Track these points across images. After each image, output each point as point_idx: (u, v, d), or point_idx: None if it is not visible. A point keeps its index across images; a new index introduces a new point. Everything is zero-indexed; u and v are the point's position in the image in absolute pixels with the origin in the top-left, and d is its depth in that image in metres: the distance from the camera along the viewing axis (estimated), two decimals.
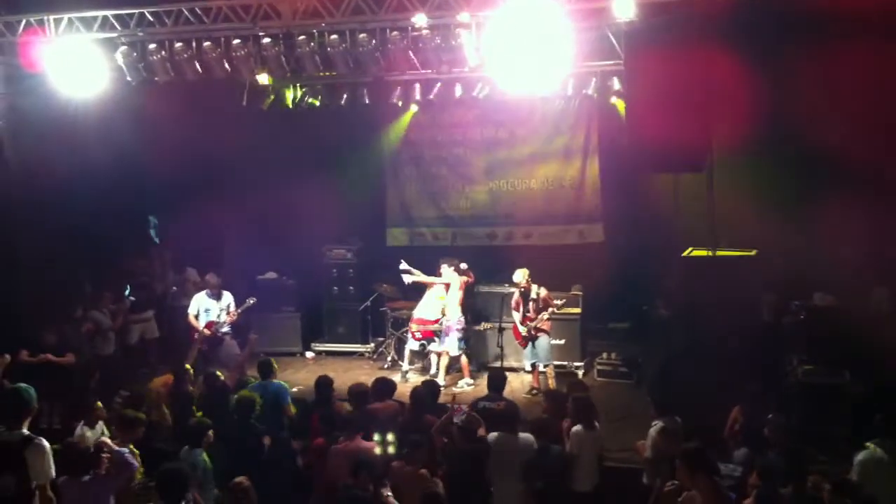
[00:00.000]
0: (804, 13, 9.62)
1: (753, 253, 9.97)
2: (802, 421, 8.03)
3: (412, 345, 12.32)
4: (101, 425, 8.16)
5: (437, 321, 12.10)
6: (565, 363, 12.25)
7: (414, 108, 13.98)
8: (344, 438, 7.72)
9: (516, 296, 11.66)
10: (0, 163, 11.63)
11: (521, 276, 11.48)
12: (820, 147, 10.39)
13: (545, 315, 11.43)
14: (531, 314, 11.47)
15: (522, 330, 11.51)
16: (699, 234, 10.05)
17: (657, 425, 7.64)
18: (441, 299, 12.15)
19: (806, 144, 10.76)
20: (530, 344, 11.50)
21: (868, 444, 6.70)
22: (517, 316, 11.60)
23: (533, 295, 11.47)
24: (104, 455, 6.75)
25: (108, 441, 7.33)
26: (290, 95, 13.35)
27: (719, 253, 9.46)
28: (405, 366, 12.34)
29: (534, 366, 11.59)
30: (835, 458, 7.23)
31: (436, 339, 12.14)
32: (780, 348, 9.88)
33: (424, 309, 12.23)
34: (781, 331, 10.22)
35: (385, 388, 8.84)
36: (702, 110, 8.53)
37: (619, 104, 12.37)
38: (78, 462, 6.65)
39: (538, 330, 11.46)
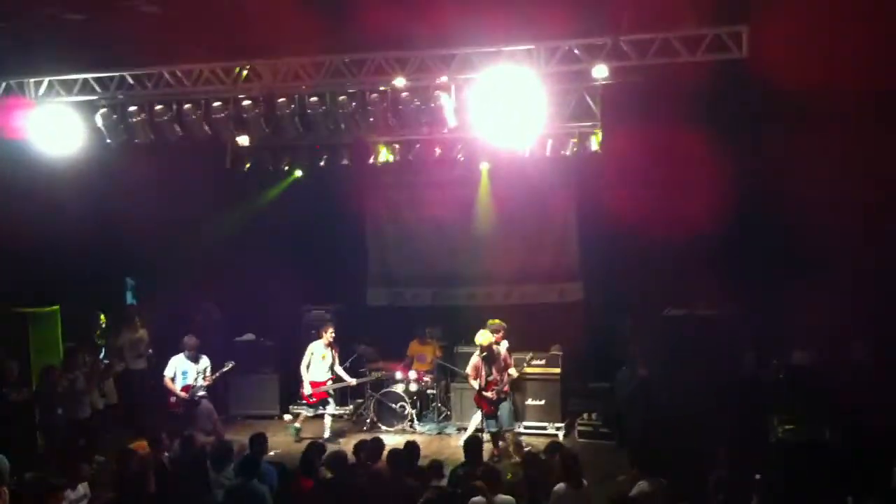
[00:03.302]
0: (771, 97, 9.85)
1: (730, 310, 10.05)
2: (785, 479, 7.98)
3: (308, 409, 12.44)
4: (84, 486, 8.02)
5: (325, 383, 12.25)
6: (545, 424, 12.18)
7: (389, 157, 13.94)
8: None
9: (475, 360, 11.23)
10: None
11: (483, 337, 11.13)
12: (782, 221, 10.58)
13: (511, 373, 11.24)
14: (495, 376, 11.09)
15: (489, 395, 11.06)
16: (678, 292, 10.12)
17: (641, 486, 7.58)
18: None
19: (768, 220, 10.97)
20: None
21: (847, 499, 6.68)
22: (476, 384, 11.18)
23: (493, 356, 11.12)
24: None
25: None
26: (270, 159, 13.38)
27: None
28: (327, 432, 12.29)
29: (494, 434, 11.14)
30: None
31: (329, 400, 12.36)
32: (760, 406, 9.87)
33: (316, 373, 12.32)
34: (761, 388, 10.22)
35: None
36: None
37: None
38: None
39: (504, 392, 11.13)
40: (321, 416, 12.46)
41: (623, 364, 11.74)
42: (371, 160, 12.80)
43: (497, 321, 11.53)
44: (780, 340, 10.84)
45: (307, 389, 12.21)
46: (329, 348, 12.26)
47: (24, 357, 11.37)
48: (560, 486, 7.64)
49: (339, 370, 12.40)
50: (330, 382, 12.32)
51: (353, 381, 12.57)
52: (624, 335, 12.16)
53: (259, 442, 8.94)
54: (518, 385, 12.16)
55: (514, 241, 14.31)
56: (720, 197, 10.51)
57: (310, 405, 12.30)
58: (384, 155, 12.81)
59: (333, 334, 12.29)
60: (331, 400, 12.36)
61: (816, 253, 10.17)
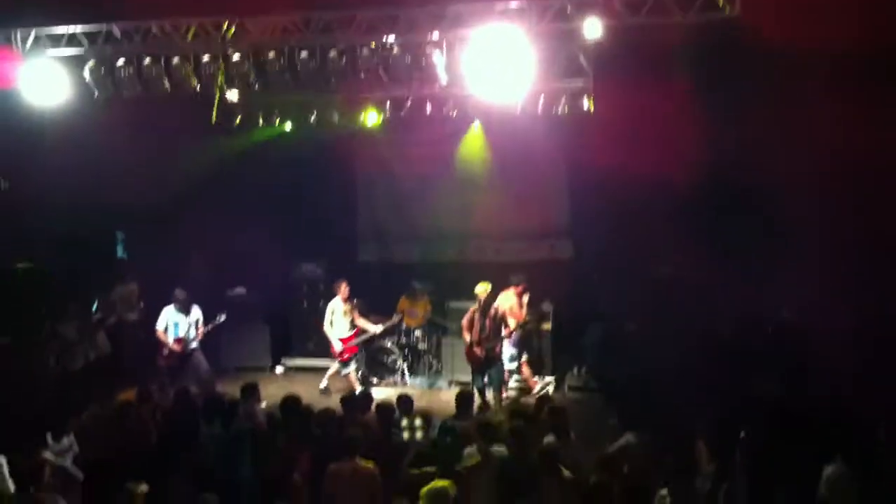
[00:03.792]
0: (761, 56, 9.83)
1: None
2: (768, 439, 8.11)
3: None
4: (70, 438, 8.11)
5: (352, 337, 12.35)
6: (535, 378, 12.33)
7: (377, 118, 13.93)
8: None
9: (469, 314, 11.30)
10: None
11: (481, 289, 11.19)
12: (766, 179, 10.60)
13: (503, 333, 11.20)
14: (486, 333, 11.06)
15: (478, 351, 11.07)
16: (666, 250, 10.18)
17: (627, 438, 7.72)
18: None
19: (758, 181, 10.99)
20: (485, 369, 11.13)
21: (834, 460, 6.79)
22: (468, 337, 11.20)
23: (490, 312, 11.09)
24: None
25: (51, 457, 7.29)
26: (260, 114, 13.31)
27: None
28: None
29: (481, 390, 11.18)
30: (802, 475, 7.32)
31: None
32: (746, 366, 10.00)
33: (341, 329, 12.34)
34: (747, 348, 10.34)
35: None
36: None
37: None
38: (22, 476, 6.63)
39: (494, 352, 11.08)
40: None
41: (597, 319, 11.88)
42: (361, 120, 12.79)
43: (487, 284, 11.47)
44: (766, 301, 10.94)
45: (337, 347, 12.21)
46: (348, 303, 12.26)
47: (13, 310, 11.42)
48: (549, 438, 7.77)
49: (362, 322, 12.41)
50: (356, 336, 12.35)
51: (378, 328, 12.53)
52: (612, 292, 12.25)
53: (251, 392, 9.02)
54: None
55: (504, 198, 14.31)
56: (709, 156, 10.54)
57: (344, 362, 12.29)
58: (374, 119, 12.83)
59: (348, 288, 12.29)
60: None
61: (804, 216, 10.22)
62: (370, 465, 7.22)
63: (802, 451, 7.58)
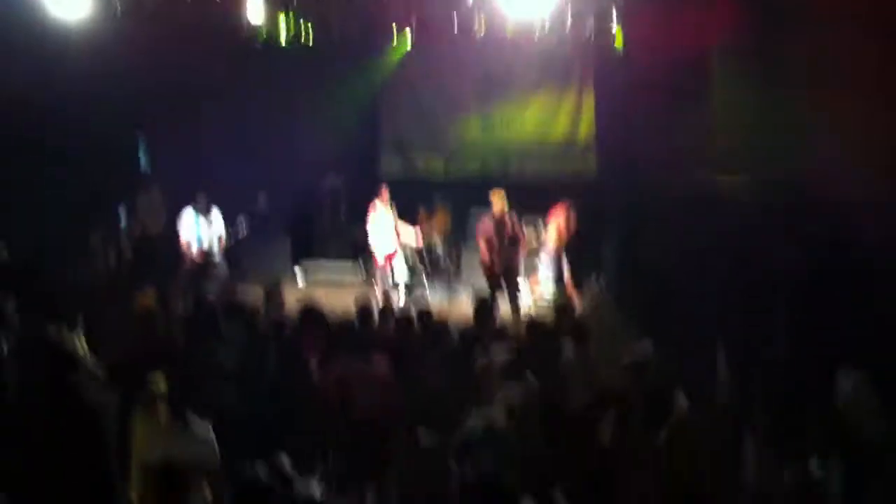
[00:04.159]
0: None
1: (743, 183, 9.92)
2: (788, 347, 8.08)
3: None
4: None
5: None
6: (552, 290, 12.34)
7: (408, 42, 13.74)
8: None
9: (486, 224, 10.99)
10: None
11: (496, 197, 10.81)
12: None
13: (520, 247, 11.02)
14: (503, 243, 10.83)
15: (497, 267, 10.88)
16: (696, 163, 10.01)
17: (643, 346, 7.72)
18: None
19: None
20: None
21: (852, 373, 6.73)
22: (484, 247, 10.93)
23: (505, 223, 10.83)
24: None
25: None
26: (283, 31, 13.09)
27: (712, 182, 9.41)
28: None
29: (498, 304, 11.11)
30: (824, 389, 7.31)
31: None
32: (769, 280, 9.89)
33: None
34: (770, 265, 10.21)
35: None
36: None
37: (618, 36, 12.23)
38: None
39: (510, 263, 10.92)
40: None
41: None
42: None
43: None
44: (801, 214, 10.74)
45: (380, 260, 12.28)
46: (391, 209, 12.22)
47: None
48: (568, 344, 7.79)
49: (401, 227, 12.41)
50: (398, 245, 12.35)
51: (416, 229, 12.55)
52: (638, 207, 12.14)
53: (275, 293, 9.03)
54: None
55: (528, 114, 14.15)
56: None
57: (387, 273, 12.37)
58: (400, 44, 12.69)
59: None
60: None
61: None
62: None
63: (825, 364, 7.58)
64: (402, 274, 12.28)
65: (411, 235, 12.40)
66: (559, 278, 11.87)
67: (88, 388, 4.52)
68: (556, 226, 11.59)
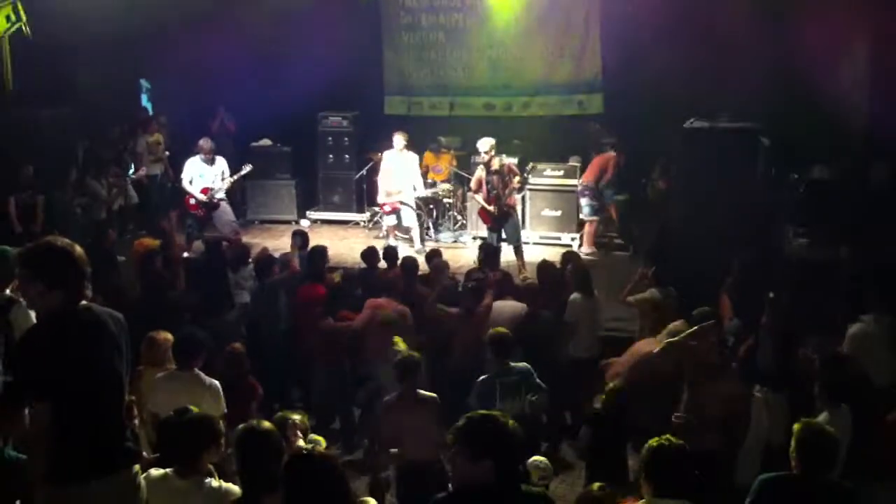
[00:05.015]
0: None
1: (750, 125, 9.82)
2: (796, 294, 8.04)
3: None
4: None
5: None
6: (560, 235, 12.28)
7: None
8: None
9: (478, 174, 10.91)
10: None
11: (485, 144, 10.69)
12: None
13: (514, 187, 10.83)
14: (497, 190, 10.66)
15: (491, 209, 10.73)
16: (701, 105, 9.87)
17: (652, 293, 7.71)
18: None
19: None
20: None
21: (861, 317, 6.71)
22: (480, 197, 10.84)
23: (496, 166, 10.67)
24: None
25: None
26: None
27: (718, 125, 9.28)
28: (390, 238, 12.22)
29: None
30: (828, 332, 7.28)
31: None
32: (777, 221, 9.84)
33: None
34: (779, 204, 10.16)
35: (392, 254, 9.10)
36: None
37: None
38: None
39: (507, 206, 10.75)
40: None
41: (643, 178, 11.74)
42: None
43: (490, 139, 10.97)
44: (800, 155, 10.69)
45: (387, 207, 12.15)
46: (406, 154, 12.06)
47: (38, 161, 11.38)
48: (575, 295, 7.79)
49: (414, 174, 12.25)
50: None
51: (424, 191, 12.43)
52: (644, 147, 12.04)
53: (320, 254, 8.83)
54: (535, 195, 12.24)
55: (534, 51, 13.93)
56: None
57: (387, 214, 12.29)
58: None
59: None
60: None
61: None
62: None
63: (830, 309, 7.56)
64: (410, 219, 12.11)
65: (420, 183, 12.20)
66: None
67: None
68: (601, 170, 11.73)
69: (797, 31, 10.66)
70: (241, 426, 4.25)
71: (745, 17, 11.01)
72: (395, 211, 12.04)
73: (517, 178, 10.91)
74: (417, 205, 12.20)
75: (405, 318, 7.50)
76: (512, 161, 11.14)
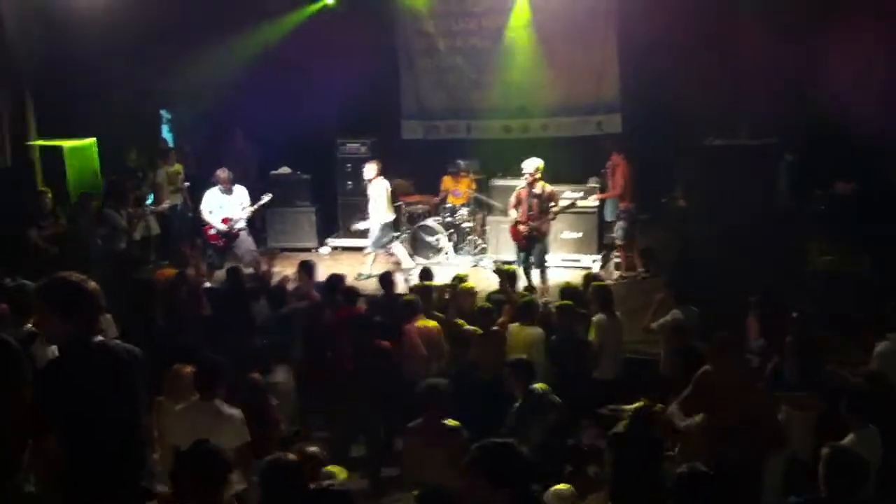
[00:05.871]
0: None
1: (773, 140, 9.77)
2: (821, 309, 7.96)
3: None
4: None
5: None
6: (581, 257, 12.21)
7: None
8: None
9: (518, 191, 10.87)
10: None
11: (531, 166, 10.67)
12: None
13: (551, 214, 10.79)
14: (534, 212, 10.66)
15: (523, 229, 10.73)
16: (719, 122, 9.83)
17: (674, 315, 7.65)
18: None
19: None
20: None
21: (889, 334, 6.62)
22: (514, 213, 10.82)
23: (537, 190, 10.66)
24: None
25: None
26: None
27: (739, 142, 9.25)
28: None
29: (526, 270, 10.89)
30: (854, 347, 7.19)
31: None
32: (801, 236, 9.76)
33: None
34: (802, 219, 10.07)
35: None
36: None
37: None
38: None
39: (539, 231, 10.71)
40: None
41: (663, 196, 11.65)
42: None
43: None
44: (823, 172, 10.60)
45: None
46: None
47: (61, 190, 11.46)
48: (599, 315, 7.74)
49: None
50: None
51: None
52: (663, 166, 11.97)
53: (308, 270, 9.12)
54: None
55: (551, 72, 13.91)
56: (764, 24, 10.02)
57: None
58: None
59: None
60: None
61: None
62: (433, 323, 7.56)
63: (857, 328, 7.47)
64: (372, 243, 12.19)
65: (385, 212, 12.18)
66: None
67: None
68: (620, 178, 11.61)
69: (818, 48, 10.62)
70: (267, 458, 4.23)
71: (765, 35, 10.96)
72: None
73: (555, 207, 10.88)
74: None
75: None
76: (554, 189, 11.00)
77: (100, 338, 4.05)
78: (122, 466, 4.00)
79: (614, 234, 11.89)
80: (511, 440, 3.56)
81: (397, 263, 12.15)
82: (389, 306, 8.56)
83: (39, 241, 10.70)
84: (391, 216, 12.30)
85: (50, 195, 11.10)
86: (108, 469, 3.92)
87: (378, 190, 12.09)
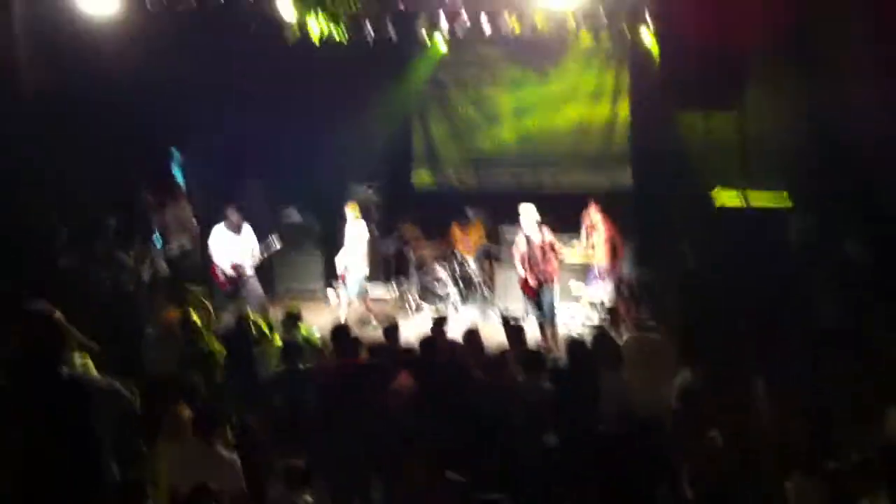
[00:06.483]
0: None
1: (785, 195, 9.70)
2: (833, 377, 7.84)
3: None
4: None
5: None
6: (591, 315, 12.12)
7: (442, 48, 13.74)
8: None
9: (522, 246, 10.80)
10: (15, 84, 11.41)
11: (525, 212, 10.67)
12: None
13: (554, 262, 10.72)
14: (536, 260, 10.62)
15: (530, 280, 10.69)
16: (730, 174, 9.80)
17: (682, 376, 7.54)
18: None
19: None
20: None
21: None
22: (520, 267, 10.79)
23: (537, 240, 10.65)
24: None
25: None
26: (315, 31, 13.00)
27: (750, 195, 9.19)
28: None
29: (541, 325, 10.86)
30: (866, 415, 7.06)
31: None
32: (812, 296, 9.65)
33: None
34: (813, 279, 9.96)
35: None
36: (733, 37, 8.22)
37: (653, 44, 12.08)
38: None
39: (546, 276, 10.67)
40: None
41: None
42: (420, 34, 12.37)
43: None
44: (833, 227, 10.50)
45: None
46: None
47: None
48: (608, 372, 7.63)
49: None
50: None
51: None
52: (674, 225, 11.91)
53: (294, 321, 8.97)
54: (563, 269, 12.12)
55: (562, 124, 14.00)
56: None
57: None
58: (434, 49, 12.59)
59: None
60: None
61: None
62: None
63: (868, 390, 7.34)
64: (353, 290, 12.02)
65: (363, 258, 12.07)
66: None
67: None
68: (604, 237, 11.41)
69: (827, 99, 10.60)
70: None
71: (774, 84, 10.96)
72: (344, 281, 12.02)
73: (557, 257, 10.84)
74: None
75: None
76: (553, 240, 10.91)
77: (66, 370, 3.90)
78: None
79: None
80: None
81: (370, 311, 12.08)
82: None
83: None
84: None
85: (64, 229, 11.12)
86: None
87: (361, 232, 11.99)
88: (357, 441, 7.20)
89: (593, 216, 11.63)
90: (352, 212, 12.01)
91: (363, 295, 12.08)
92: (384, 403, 7.32)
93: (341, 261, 12.07)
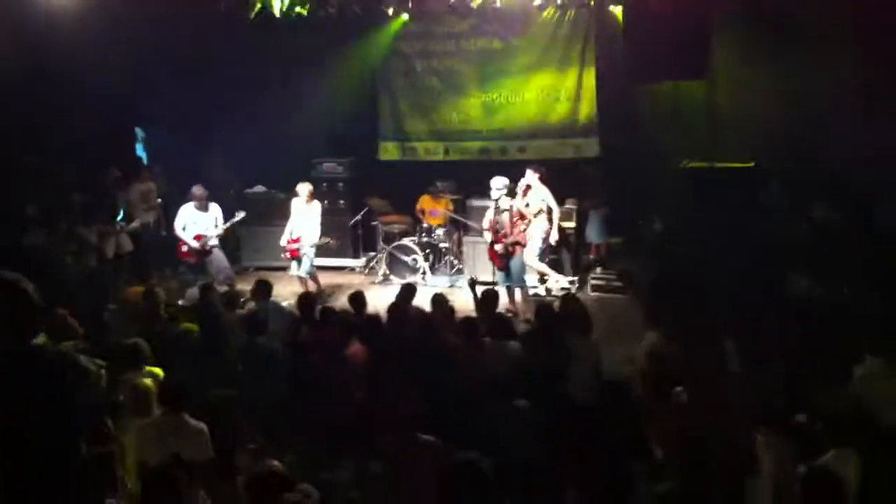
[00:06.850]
0: None
1: (752, 164, 9.75)
2: (801, 336, 7.90)
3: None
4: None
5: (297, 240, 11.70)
6: (559, 278, 12.13)
7: (405, 16, 13.64)
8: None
9: (491, 214, 10.90)
10: None
11: (498, 182, 10.72)
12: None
13: (521, 226, 10.72)
14: (506, 230, 10.68)
15: (499, 248, 10.73)
16: (697, 146, 9.82)
17: (649, 338, 7.54)
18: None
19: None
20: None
21: (866, 357, 6.56)
22: (489, 236, 10.92)
23: (505, 206, 10.72)
24: None
25: None
26: (277, 4, 12.88)
27: (717, 165, 9.23)
28: None
29: (508, 289, 10.91)
30: (835, 374, 7.12)
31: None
32: (780, 262, 9.72)
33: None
34: (781, 244, 10.04)
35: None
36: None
37: (618, 13, 12.08)
38: None
39: (515, 245, 10.67)
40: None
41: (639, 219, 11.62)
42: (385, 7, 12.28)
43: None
44: (803, 195, 10.59)
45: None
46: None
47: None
48: (573, 337, 7.63)
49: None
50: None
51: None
52: (640, 188, 11.94)
53: (263, 291, 8.94)
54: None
55: (529, 95, 13.96)
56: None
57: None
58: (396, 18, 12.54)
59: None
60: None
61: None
62: None
63: (837, 352, 7.39)
64: (305, 269, 11.78)
65: (315, 235, 11.77)
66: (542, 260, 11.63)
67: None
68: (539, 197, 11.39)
69: (798, 69, 10.64)
70: (255, 471, 4.15)
71: (743, 52, 10.99)
72: (296, 258, 11.77)
73: (524, 223, 10.82)
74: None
75: None
76: (521, 209, 10.92)
77: (36, 343, 3.75)
78: (55, 490, 3.64)
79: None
80: (475, 457, 3.44)
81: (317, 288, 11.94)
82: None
83: None
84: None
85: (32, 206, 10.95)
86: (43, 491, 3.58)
87: (315, 211, 11.76)
88: (323, 411, 7.20)
89: (529, 178, 11.55)
90: (303, 193, 11.70)
91: (312, 274, 11.89)
92: (339, 372, 7.32)
93: (286, 238, 11.81)
